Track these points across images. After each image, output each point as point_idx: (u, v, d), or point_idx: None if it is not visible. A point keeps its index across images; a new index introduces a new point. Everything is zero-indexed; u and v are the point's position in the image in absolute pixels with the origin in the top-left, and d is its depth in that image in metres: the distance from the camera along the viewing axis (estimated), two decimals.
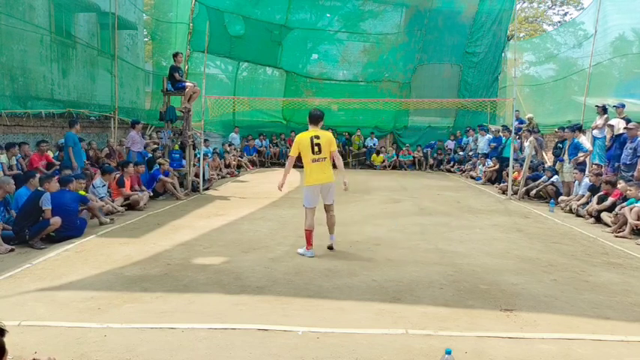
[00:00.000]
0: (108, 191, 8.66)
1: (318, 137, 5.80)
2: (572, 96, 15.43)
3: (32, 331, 3.61)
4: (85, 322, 3.78)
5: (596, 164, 10.54)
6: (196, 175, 11.23)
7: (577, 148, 10.31)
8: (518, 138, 12.87)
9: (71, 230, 6.56)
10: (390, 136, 18.61)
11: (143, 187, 9.61)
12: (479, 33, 18.51)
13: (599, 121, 10.72)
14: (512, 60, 17.12)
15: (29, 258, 5.62)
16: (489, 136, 15.06)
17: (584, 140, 10.63)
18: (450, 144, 18.46)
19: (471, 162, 16.18)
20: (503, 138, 13.70)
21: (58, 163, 9.43)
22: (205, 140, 15.32)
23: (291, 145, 19.22)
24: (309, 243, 5.86)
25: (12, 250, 5.89)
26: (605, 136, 10.50)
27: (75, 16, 12.95)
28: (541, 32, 27.54)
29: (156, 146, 12.68)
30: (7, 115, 9.45)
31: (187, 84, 11.11)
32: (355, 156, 18.19)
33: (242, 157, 16.89)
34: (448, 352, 2.96)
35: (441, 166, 17.95)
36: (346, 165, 18.05)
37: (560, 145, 11.10)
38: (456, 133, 18.62)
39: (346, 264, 5.53)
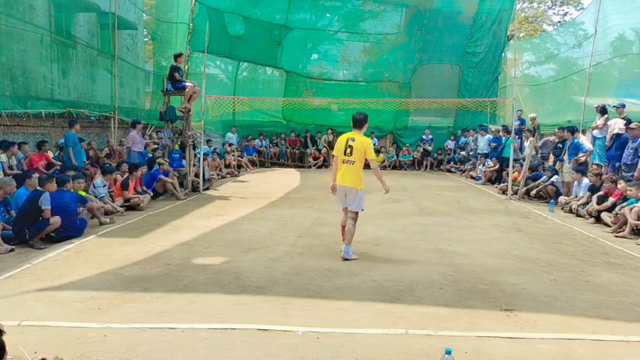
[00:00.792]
0: (108, 191, 8.66)
1: (353, 140, 5.83)
2: (572, 96, 15.44)
3: (32, 331, 3.61)
4: (85, 322, 3.78)
5: (596, 164, 10.54)
6: (196, 175, 11.22)
7: (577, 148, 10.32)
8: (519, 138, 12.87)
9: (71, 230, 6.56)
10: (390, 136, 18.61)
11: (144, 189, 9.60)
12: (479, 33, 18.51)
13: (599, 121, 10.72)
14: (512, 60, 17.13)
15: (29, 258, 5.62)
16: (489, 136, 15.06)
17: (584, 140, 10.63)
18: (450, 144, 18.45)
19: (470, 162, 16.18)
20: (503, 138, 13.70)
21: (58, 163, 9.44)
22: (208, 141, 15.34)
23: (291, 145, 19.27)
24: (343, 238, 5.87)
25: (12, 250, 5.89)
26: (605, 136, 10.50)
27: (75, 16, 12.95)
28: (541, 32, 27.54)
29: (156, 146, 12.68)
30: (7, 115, 9.45)
31: (187, 84, 11.11)
32: None
33: (242, 157, 16.89)
34: (448, 352, 2.96)
35: (441, 166, 17.95)
36: None
37: (560, 145, 11.11)
38: (457, 133, 18.61)
39: (346, 264, 5.53)
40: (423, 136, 18.27)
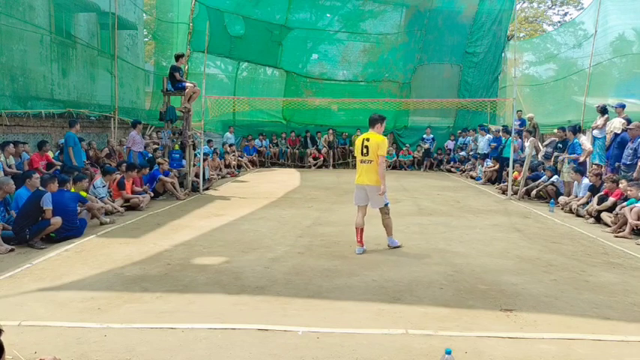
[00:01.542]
0: (108, 191, 8.66)
1: (368, 140, 6.03)
2: (572, 96, 15.43)
3: (32, 331, 3.61)
4: (85, 322, 3.78)
5: (596, 164, 10.54)
6: (196, 175, 11.22)
7: (575, 148, 10.36)
8: (519, 138, 12.86)
9: (71, 230, 6.57)
10: (390, 136, 18.59)
11: (145, 188, 9.60)
12: (479, 33, 18.50)
13: (600, 121, 10.72)
14: (512, 60, 17.12)
15: (29, 258, 5.62)
16: (489, 136, 15.06)
17: (584, 140, 10.63)
18: (450, 144, 18.46)
19: (470, 162, 16.18)
20: (503, 138, 13.70)
21: (58, 163, 9.44)
22: (209, 141, 15.35)
23: (291, 145, 19.28)
24: (357, 239, 6.10)
25: (12, 250, 5.89)
26: (605, 136, 10.50)
27: (75, 16, 12.96)
28: (541, 32, 27.55)
29: (156, 146, 12.68)
30: (7, 115, 9.45)
31: (187, 84, 11.11)
32: (355, 156, 18.16)
33: (242, 157, 16.89)
34: (448, 352, 2.96)
35: (441, 166, 17.95)
36: (346, 165, 18.17)
37: (560, 145, 11.11)
38: (457, 134, 18.61)
39: (346, 264, 5.53)
40: (424, 136, 18.27)
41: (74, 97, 12.36)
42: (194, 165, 11.36)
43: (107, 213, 7.96)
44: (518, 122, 13.03)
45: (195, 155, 11.52)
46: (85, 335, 3.55)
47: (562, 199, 9.86)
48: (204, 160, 11.64)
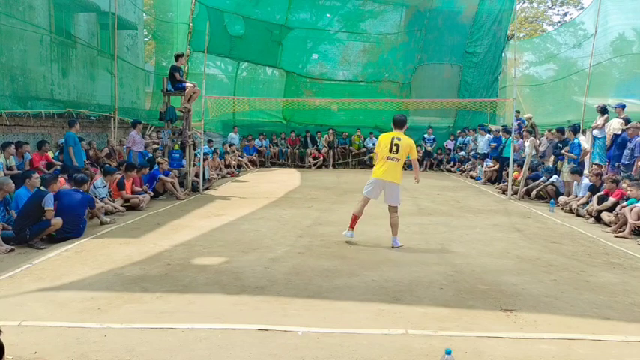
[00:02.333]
0: (109, 192, 8.66)
1: (399, 139, 6.33)
2: (572, 96, 15.43)
3: (32, 331, 3.61)
4: (85, 322, 3.78)
5: (596, 164, 10.54)
6: (196, 175, 11.22)
7: (574, 148, 10.38)
8: (521, 138, 12.86)
9: (72, 232, 6.56)
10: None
11: (145, 188, 9.60)
12: (479, 33, 18.50)
13: (600, 121, 10.72)
14: (512, 60, 17.12)
15: (29, 258, 5.61)
16: (489, 136, 15.06)
17: (583, 141, 10.63)
18: (450, 144, 18.46)
19: (470, 162, 16.18)
20: (503, 138, 13.71)
21: (58, 163, 9.44)
22: (209, 141, 15.35)
23: (291, 145, 19.28)
24: (351, 225, 6.47)
25: (12, 250, 5.89)
26: (605, 136, 10.51)
27: (75, 16, 12.96)
28: (541, 32, 27.56)
29: (156, 146, 12.68)
30: (7, 115, 9.45)
31: (187, 84, 11.11)
32: (355, 156, 18.20)
33: (242, 157, 16.89)
34: (448, 352, 2.96)
35: (441, 166, 17.95)
36: (346, 165, 18.17)
37: (560, 145, 11.12)
38: (456, 134, 18.61)
39: (346, 264, 5.53)
40: (426, 136, 18.26)
41: (74, 97, 12.36)
42: (194, 165, 11.35)
43: (107, 213, 7.96)
44: (518, 122, 13.03)
45: (195, 155, 11.52)
46: (85, 335, 3.55)
47: (562, 199, 9.86)
48: (204, 160, 11.64)
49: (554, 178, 10.52)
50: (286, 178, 14.37)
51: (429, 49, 18.80)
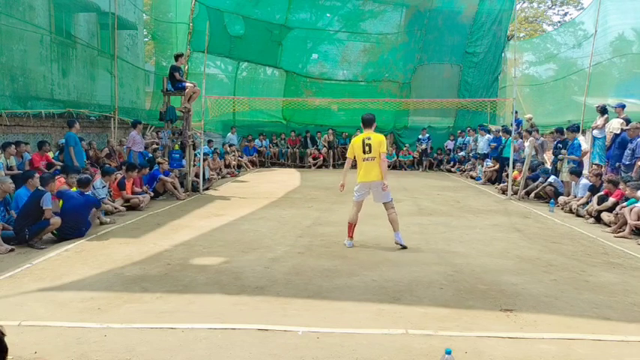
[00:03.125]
0: (108, 191, 8.66)
1: (369, 139, 6.28)
2: (572, 96, 15.44)
3: (32, 331, 3.61)
4: (85, 322, 3.78)
5: (596, 164, 10.54)
6: (196, 175, 11.22)
7: (574, 148, 10.38)
8: (521, 138, 12.87)
9: (75, 234, 6.55)
10: (390, 136, 18.60)
11: (145, 188, 9.60)
12: (479, 33, 18.50)
13: (599, 121, 10.72)
14: (513, 60, 17.13)
15: (29, 258, 5.61)
16: (489, 136, 15.06)
17: (582, 141, 10.63)
18: (450, 144, 18.46)
19: (470, 162, 16.18)
20: (503, 138, 13.71)
21: (58, 163, 9.44)
22: (210, 141, 15.35)
23: (291, 145, 19.27)
24: (349, 234, 6.40)
25: (12, 250, 5.89)
26: (605, 136, 10.51)
27: (75, 16, 12.95)
28: (541, 32, 27.56)
29: (156, 146, 12.67)
30: (7, 115, 9.45)
31: (187, 84, 11.11)
32: None
33: (242, 157, 16.89)
34: (448, 352, 2.96)
35: (441, 166, 17.96)
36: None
37: (560, 146, 11.11)
38: (456, 134, 18.62)
39: (346, 264, 5.53)
40: (420, 136, 18.28)
41: (74, 97, 12.36)
42: (194, 165, 11.35)
43: (107, 213, 7.96)
44: (515, 123, 13.04)
45: (195, 155, 11.52)
46: (85, 335, 3.55)
47: (562, 199, 9.86)
48: (204, 160, 11.64)
49: (551, 178, 10.51)
50: (286, 178, 14.37)
51: (429, 49, 18.80)
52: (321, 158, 17.94)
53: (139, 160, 10.83)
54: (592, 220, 8.39)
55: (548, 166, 11.83)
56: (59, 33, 11.93)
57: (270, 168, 17.69)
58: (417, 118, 19.46)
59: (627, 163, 9.11)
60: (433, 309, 4.23)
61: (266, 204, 9.70)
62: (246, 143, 17.81)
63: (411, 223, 7.91)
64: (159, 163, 10.52)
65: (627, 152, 9.14)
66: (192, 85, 11.18)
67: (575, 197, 9.50)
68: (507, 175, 11.67)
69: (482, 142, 15.17)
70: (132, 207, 8.74)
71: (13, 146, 8.55)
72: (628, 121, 9.79)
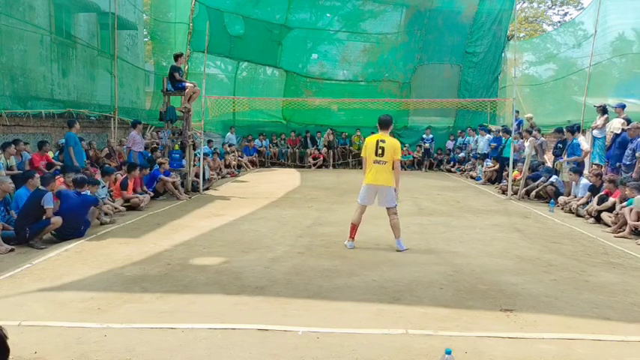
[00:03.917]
0: (108, 191, 8.66)
1: (383, 141, 6.14)
2: (572, 96, 15.43)
3: (32, 331, 3.61)
4: (85, 322, 3.78)
5: (596, 164, 10.54)
6: (196, 175, 11.23)
7: (574, 148, 10.38)
8: (521, 138, 12.88)
9: (74, 234, 6.55)
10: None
11: (145, 189, 9.60)
12: (479, 33, 18.50)
13: (599, 121, 10.73)
14: (513, 60, 17.13)
15: (29, 258, 5.61)
16: (489, 136, 15.07)
17: (583, 141, 10.63)
18: (450, 144, 18.47)
19: (470, 162, 16.19)
20: (503, 138, 13.72)
21: (58, 163, 9.44)
22: (210, 141, 15.34)
23: (291, 145, 19.27)
24: (350, 235, 6.30)
25: (12, 250, 5.89)
26: (605, 136, 10.51)
27: (75, 16, 12.96)
28: (541, 32, 27.55)
29: (156, 146, 12.67)
30: (7, 115, 9.45)
31: (187, 84, 11.10)
32: (355, 156, 18.20)
33: (242, 157, 16.89)
34: (448, 352, 2.96)
35: (441, 166, 17.96)
36: (346, 165, 18.18)
37: (560, 145, 11.12)
38: (456, 134, 18.63)
39: (346, 264, 5.53)
40: (424, 136, 18.28)
41: (74, 97, 12.36)
42: (194, 165, 11.35)
43: (107, 213, 7.96)
44: (516, 123, 13.04)
45: (195, 155, 11.52)
46: (85, 335, 3.55)
47: (562, 199, 9.86)
48: (204, 159, 11.63)
49: (553, 178, 10.52)
50: (286, 178, 14.37)
51: (429, 49, 18.80)
52: (321, 158, 17.94)
53: (139, 160, 10.83)
54: (592, 220, 8.39)
55: (549, 164, 11.84)
56: (59, 33, 11.93)
57: (270, 168, 17.69)
58: (417, 118, 19.46)
59: (627, 163, 9.10)
60: (433, 309, 4.23)
61: (266, 204, 9.70)
62: (246, 143, 17.81)
63: (411, 223, 7.91)
64: (159, 164, 10.52)
65: (628, 152, 9.14)
66: (192, 85, 11.17)
67: (576, 197, 9.51)
68: (507, 175, 11.68)
69: (483, 142, 15.17)
70: (132, 207, 8.74)
71: (13, 146, 8.54)
72: (628, 121, 9.78)
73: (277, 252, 6.00)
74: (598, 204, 8.36)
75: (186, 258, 5.67)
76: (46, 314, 3.94)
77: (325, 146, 18.03)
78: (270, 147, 18.48)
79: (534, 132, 12.32)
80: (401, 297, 4.50)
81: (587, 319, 4.06)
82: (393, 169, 6.18)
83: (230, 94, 16.64)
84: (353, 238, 6.32)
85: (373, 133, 6.46)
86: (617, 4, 13.18)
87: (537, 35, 26.12)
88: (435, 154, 18.10)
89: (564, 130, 11.06)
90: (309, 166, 17.82)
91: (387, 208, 6.26)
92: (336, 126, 18.74)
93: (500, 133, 14.01)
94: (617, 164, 9.58)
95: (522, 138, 12.86)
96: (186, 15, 16.32)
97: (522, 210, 9.60)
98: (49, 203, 6.24)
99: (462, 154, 17.44)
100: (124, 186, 8.82)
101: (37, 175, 6.92)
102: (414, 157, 18.08)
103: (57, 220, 6.26)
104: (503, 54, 18.85)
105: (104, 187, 8.50)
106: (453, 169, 17.34)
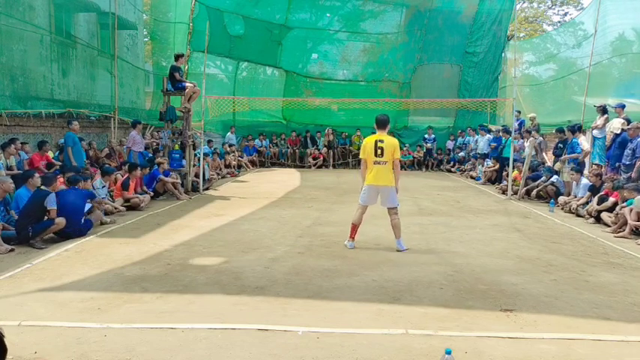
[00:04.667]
0: (108, 191, 8.66)
1: (382, 141, 6.11)
2: (572, 96, 15.43)
3: (32, 331, 3.61)
4: (85, 322, 3.78)
5: (596, 164, 10.54)
6: (196, 175, 11.23)
7: (574, 148, 10.38)
8: (522, 138, 12.87)
9: (74, 232, 6.54)
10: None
11: (145, 189, 9.60)
12: (479, 33, 18.51)
13: (599, 121, 10.73)
14: (513, 60, 17.13)
15: (29, 258, 5.61)
16: (489, 136, 15.07)
17: (583, 141, 10.63)
18: (450, 144, 18.47)
19: (470, 162, 16.19)
20: (503, 138, 13.72)
21: (58, 163, 9.44)
22: (210, 141, 15.34)
23: (291, 145, 19.27)
24: (351, 235, 6.29)
25: (12, 250, 5.89)
26: (605, 136, 10.51)
27: (75, 16, 12.96)
28: (541, 32, 27.55)
29: (156, 146, 12.67)
30: (7, 115, 9.45)
31: (187, 84, 11.10)
32: (355, 156, 18.20)
33: (242, 157, 16.89)
34: (448, 352, 2.96)
35: (441, 166, 17.96)
36: (346, 165, 18.18)
37: (561, 145, 11.11)
38: (456, 134, 18.63)
39: (346, 264, 5.53)
40: (426, 136, 18.28)
41: (74, 97, 12.36)
42: (194, 165, 11.35)
43: (107, 213, 7.96)
44: (517, 123, 13.03)
45: (195, 155, 11.52)
46: (85, 335, 3.55)
47: (562, 199, 9.86)
48: (204, 159, 11.63)
49: (554, 178, 10.52)
50: (286, 178, 14.37)
51: (429, 49, 18.80)
52: (321, 158, 17.94)
53: (139, 160, 10.83)
54: (592, 220, 8.39)
55: (549, 164, 11.83)
56: (59, 33, 11.93)
57: (270, 168, 17.69)
58: (417, 118, 19.46)
59: (627, 163, 9.10)
60: (433, 309, 4.23)
61: (266, 204, 9.70)
62: (246, 143, 17.82)
63: (411, 223, 7.91)
64: (158, 164, 10.51)
65: (627, 152, 9.13)
66: (192, 85, 11.17)
67: (576, 197, 9.50)
68: (507, 175, 11.68)
69: (483, 142, 15.17)
70: (132, 207, 8.74)
71: (13, 146, 8.54)
72: (628, 121, 9.79)
73: (277, 252, 6.00)
74: (598, 204, 8.36)
75: (186, 258, 5.67)
76: (46, 314, 3.94)
77: (325, 146, 18.03)
78: (270, 147, 18.48)
79: (533, 132, 12.32)
80: (401, 297, 4.50)
81: (587, 319, 4.06)
82: (393, 168, 6.16)
83: (230, 94, 16.64)
84: (353, 238, 6.31)
85: (373, 133, 6.43)
86: (617, 4, 13.17)
87: (537, 35, 26.12)
88: (435, 154, 18.10)
89: (565, 129, 11.05)
90: (309, 166, 17.82)
91: (389, 208, 6.25)
92: (336, 126, 18.74)
93: (501, 133, 14.01)
94: (617, 164, 9.58)
95: (523, 138, 12.86)
96: (186, 15, 16.32)
97: (522, 210, 9.60)
98: (52, 204, 6.24)
99: (461, 154, 17.44)
100: (125, 186, 8.82)
101: (37, 175, 6.92)
102: (414, 157, 18.08)
103: (61, 221, 6.26)
104: (503, 54, 18.85)
105: (104, 187, 8.50)
106: (453, 169, 17.34)
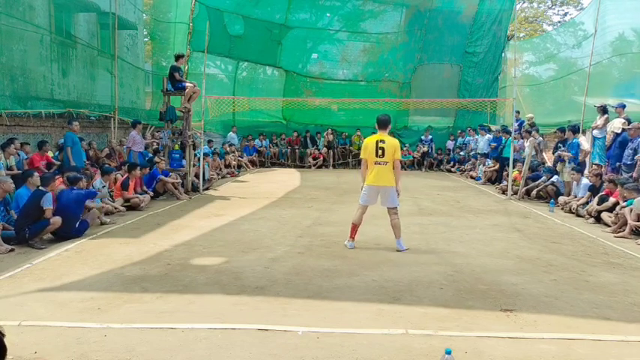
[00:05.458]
0: (108, 191, 8.65)
1: (383, 142, 6.11)
2: (572, 96, 15.42)
3: (32, 331, 3.61)
4: (85, 322, 3.78)
5: (596, 164, 10.54)
6: (196, 175, 11.22)
7: (574, 148, 10.38)
8: (522, 138, 12.86)
9: (71, 232, 6.54)
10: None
11: (145, 189, 9.60)
12: (479, 33, 18.51)
13: (600, 121, 10.72)
14: (513, 60, 17.12)
15: (29, 258, 5.61)
16: (489, 136, 15.07)
17: (583, 141, 10.63)
18: (450, 144, 18.47)
19: (470, 162, 16.19)
20: (503, 138, 13.72)
21: (58, 163, 9.44)
22: (210, 141, 15.34)
23: (291, 145, 19.27)
24: (351, 235, 6.30)
25: (12, 250, 5.89)
26: (605, 136, 10.50)
27: (75, 16, 12.95)
28: (541, 32, 27.54)
29: (156, 146, 12.67)
30: (7, 115, 9.45)
31: (187, 84, 11.10)
32: (355, 156, 18.21)
33: (242, 157, 16.89)
34: (448, 352, 2.96)
35: (441, 166, 17.96)
36: (346, 165, 18.18)
37: (561, 145, 11.11)
38: (456, 134, 18.63)
39: (346, 264, 5.53)
40: (423, 137, 18.28)
41: (74, 97, 12.36)
42: (194, 165, 11.35)
43: (107, 213, 7.96)
44: (517, 123, 13.02)
45: (195, 155, 11.51)
46: (85, 335, 3.55)
47: (562, 199, 9.86)
48: (204, 159, 11.63)
49: (554, 178, 10.52)
50: (286, 178, 14.37)
51: (429, 49, 18.80)
52: (321, 158, 17.94)
53: (139, 160, 10.83)
54: (592, 220, 8.39)
55: (549, 164, 11.83)
56: (59, 33, 11.93)
57: (270, 168, 17.69)
58: (417, 118, 19.46)
59: (628, 162, 9.10)
60: (433, 309, 4.23)
61: (266, 204, 9.70)
62: (246, 143, 17.82)
63: (411, 223, 7.91)
64: (156, 162, 10.50)
65: (628, 152, 9.13)
66: (192, 85, 11.17)
67: (576, 197, 9.50)
68: (507, 175, 11.68)
69: (483, 142, 15.17)
70: (132, 207, 8.74)
71: (13, 146, 8.54)
72: (629, 121, 9.79)
73: (277, 252, 6.00)
74: (598, 204, 8.36)
75: (186, 258, 5.67)
76: (46, 314, 3.94)
77: (325, 146, 18.03)
78: (270, 147, 18.48)
79: (533, 132, 12.32)
80: (401, 297, 4.50)
81: (587, 319, 4.06)
82: (393, 168, 6.16)
83: (230, 94, 16.64)
84: (353, 238, 6.31)
85: (373, 133, 6.43)
86: (616, 4, 13.17)
87: (537, 35, 26.11)
88: (435, 154, 18.10)
89: (566, 129, 11.05)
90: (309, 166, 17.82)
91: (389, 208, 6.25)
92: (336, 126, 18.74)
93: (500, 133, 14.01)
94: (618, 164, 9.58)
95: (523, 138, 12.85)
96: (186, 15, 16.32)
97: (522, 210, 9.60)
98: (48, 204, 6.24)
99: (462, 154, 17.44)
100: (125, 186, 8.82)
101: (37, 174, 6.92)
102: (414, 157, 18.08)
103: (56, 221, 6.26)
104: (503, 54, 18.85)
105: (104, 186, 8.50)
106: (453, 169, 17.34)
